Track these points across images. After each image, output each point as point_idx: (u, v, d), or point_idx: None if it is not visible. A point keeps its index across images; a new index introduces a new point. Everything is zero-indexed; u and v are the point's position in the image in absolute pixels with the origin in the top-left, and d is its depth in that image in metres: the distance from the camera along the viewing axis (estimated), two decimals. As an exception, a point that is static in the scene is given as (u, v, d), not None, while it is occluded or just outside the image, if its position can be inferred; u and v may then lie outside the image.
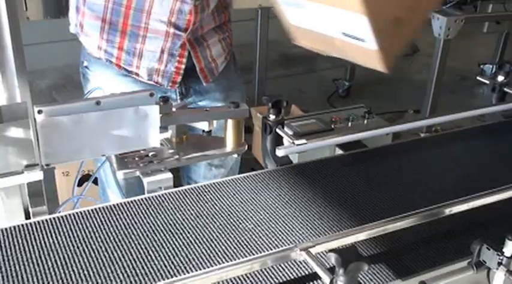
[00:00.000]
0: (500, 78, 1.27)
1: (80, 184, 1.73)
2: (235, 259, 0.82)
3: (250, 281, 0.79)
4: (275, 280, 0.79)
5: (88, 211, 0.92)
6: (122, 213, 0.92)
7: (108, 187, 1.46)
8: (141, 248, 0.84)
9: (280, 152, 1.08)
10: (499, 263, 0.77)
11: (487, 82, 1.31)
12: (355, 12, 0.88)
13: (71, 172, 2.14)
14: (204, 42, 1.35)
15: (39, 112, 0.87)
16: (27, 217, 0.95)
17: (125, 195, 1.34)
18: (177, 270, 0.80)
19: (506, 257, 0.77)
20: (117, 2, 1.26)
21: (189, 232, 0.88)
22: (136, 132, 0.94)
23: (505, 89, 1.27)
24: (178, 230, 0.89)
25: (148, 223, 0.90)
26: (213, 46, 1.38)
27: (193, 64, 1.34)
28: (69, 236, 0.86)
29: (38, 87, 3.29)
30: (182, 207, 0.95)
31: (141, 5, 1.25)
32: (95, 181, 1.75)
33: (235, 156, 1.49)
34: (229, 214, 0.93)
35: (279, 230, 0.90)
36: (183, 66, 1.32)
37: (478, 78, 1.35)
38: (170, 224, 0.90)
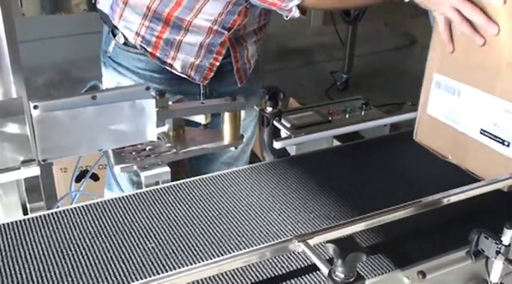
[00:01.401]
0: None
1: (78, 180, 1.73)
2: (232, 252, 0.82)
3: (249, 273, 0.79)
4: (274, 272, 0.79)
5: (86, 206, 0.92)
6: (121, 208, 0.92)
7: (109, 188, 1.44)
8: (140, 242, 0.84)
9: (277, 144, 1.08)
10: (497, 252, 0.77)
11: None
12: None
13: (68, 168, 2.13)
14: (243, 42, 1.33)
15: (35, 107, 0.87)
16: (25, 213, 0.95)
17: (123, 191, 1.33)
18: (176, 263, 0.80)
19: (505, 245, 0.77)
20: None
21: (188, 224, 0.88)
22: (133, 126, 0.94)
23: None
24: (179, 222, 0.89)
25: (143, 218, 0.90)
26: (250, 47, 1.36)
27: (225, 63, 1.32)
28: (67, 232, 0.86)
29: (35, 83, 3.28)
30: (181, 199, 0.95)
31: (192, 4, 1.21)
32: (92, 177, 1.75)
33: (242, 162, 1.49)
34: (227, 207, 0.93)
35: (277, 221, 0.90)
36: (217, 63, 1.29)
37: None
38: (169, 217, 0.90)
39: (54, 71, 3.40)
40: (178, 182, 1.00)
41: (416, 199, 0.85)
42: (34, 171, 0.89)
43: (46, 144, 0.88)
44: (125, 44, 1.30)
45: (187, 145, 1.04)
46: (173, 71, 1.29)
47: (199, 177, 1.02)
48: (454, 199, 0.85)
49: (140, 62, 1.30)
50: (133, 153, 0.99)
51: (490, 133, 0.96)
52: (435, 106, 1.07)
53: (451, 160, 1.05)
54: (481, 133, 0.97)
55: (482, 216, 0.92)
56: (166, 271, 0.78)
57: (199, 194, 0.97)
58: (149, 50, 1.27)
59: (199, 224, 0.89)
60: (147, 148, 1.01)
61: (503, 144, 0.93)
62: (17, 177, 0.89)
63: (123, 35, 1.29)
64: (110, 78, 1.36)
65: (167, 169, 0.98)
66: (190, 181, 1.00)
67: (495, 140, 0.95)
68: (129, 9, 1.26)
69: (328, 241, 0.68)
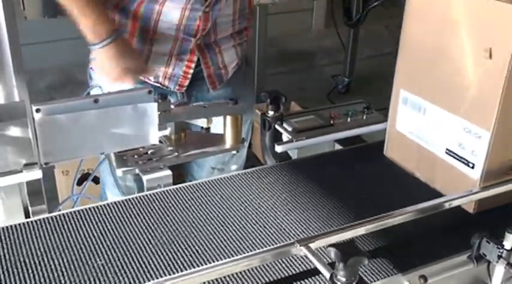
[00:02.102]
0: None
1: (79, 183, 1.72)
2: (236, 255, 0.82)
3: (251, 277, 0.79)
4: (275, 276, 0.79)
5: (88, 209, 0.92)
6: (122, 211, 0.92)
7: (106, 187, 1.46)
8: (140, 245, 0.84)
9: (279, 148, 1.08)
10: (499, 256, 0.77)
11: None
12: (483, 130, 0.87)
13: (70, 171, 2.13)
14: (216, 48, 1.32)
15: (37, 110, 0.87)
16: (27, 216, 0.95)
17: (124, 193, 1.33)
18: (180, 266, 0.80)
19: (506, 250, 0.77)
20: (125, 9, 1.24)
21: (190, 229, 0.88)
22: (135, 129, 0.94)
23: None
24: (179, 226, 0.89)
25: (148, 221, 0.90)
26: (227, 52, 1.35)
27: (200, 70, 1.32)
28: (69, 235, 0.86)
29: (37, 86, 3.28)
30: (183, 203, 0.95)
31: (149, 14, 1.23)
32: (94, 180, 1.75)
33: (235, 167, 1.48)
34: (228, 211, 0.94)
35: (279, 225, 0.90)
36: (191, 71, 1.30)
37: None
38: (170, 221, 0.90)
39: (56, 74, 3.41)
40: (179, 185, 1.00)
41: (418, 203, 0.86)
42: (36, 174, 0.89)
43: (48, 147, 0.89)
44: None
45: (189, 149, 1.04)
46: (147, 81, 1.30)
47: (200, 180, 1.02)
48: (456, 203, 0.86)
49: None
50: (135, 156, 0.99)
51: (455, 154, 0.94)
52: (403, 122, 1.05)
53: (420, 177, 1.03)
54: (446, 153, 0.96)
55: (484, 220, 0.92)
56: (169, 274, 0.78)
57: (201, 198, 0.97)
58: None
59: (202, 228, 0.89)
60: (149, 152, 1.01)
61: (468, 166, 0.92)
62: (19, 180, 0.89)
63: None
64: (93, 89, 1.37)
65: (169, 172, 0.99)
66: (190, 185, 1.00)
67: (460, 161, 0.93)
68: None
69: (330, 245, 0.68)
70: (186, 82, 1.31)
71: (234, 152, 1.11)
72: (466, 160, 0.92)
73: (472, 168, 0.91)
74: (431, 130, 0.98)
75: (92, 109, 0.90)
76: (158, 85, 1.30)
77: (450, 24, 0.90)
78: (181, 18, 1.23)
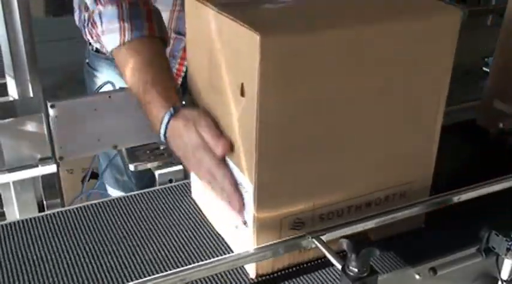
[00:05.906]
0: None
1: (88, 180, 1.71)
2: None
3: (263, 269, 0.80)
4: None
5: (101, 203, 0.93)
6: (135, 205, 0.93)
7: (108, 184, 1.46)
8: (152, 239, 0.86)
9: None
10: (508, 249, 0.78)
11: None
12: (248, 181, 0.72)
13: (75, 169, 2.14)
14: None
15: (52, 106, 0.88)
16: (41, 209, 0.96)
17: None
18: (189, 261, 0.82)
19: (515, 243, 0.78)
20: None
21: (197, 224, 0.90)
22: (148, 125, 0.95)
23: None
24: (186, 220, 0.90)
25: (162, 214, 0.91)
26: None
27: None
28: (83, 228, 0.87)
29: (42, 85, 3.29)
30: (190, 198, 0.96)
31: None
32: (96, 177, 1.76)
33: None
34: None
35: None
36: (183, 68, 1.31)
37: (484, 68, 1.35)
38: (180, 216, 0.91)
39: (60, 73, 3.42)
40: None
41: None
42: (51, 168, 0.90)
43: (63, 142, 0.90)
44: (97, 51, 1.33)
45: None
46: None
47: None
48: (464, 197, 0.86)
49: (112, 67, 1.31)
50: (147, 151, 1.01)
51: None
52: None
53: (217, 230, 0.87)
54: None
55: (493, 213, 0.92)
56: (174, 268, 0.79)
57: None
58: None
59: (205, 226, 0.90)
60: (161, 147, 1.02)
61: (244, 224, 0.77)
62: (35, 174, 0.90)
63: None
64: (89, 84, 1.39)
65: (180, 167, 1.00)
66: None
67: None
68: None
69: (342, 237, 0.69)
70: (179, 80, 1.32)
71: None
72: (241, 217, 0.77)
73: (247, 226, 0.76)
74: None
75: (106, 105, 0.91)
76: None
77: (214, 54, 0.73)
78: (170, 19, 1.25)
